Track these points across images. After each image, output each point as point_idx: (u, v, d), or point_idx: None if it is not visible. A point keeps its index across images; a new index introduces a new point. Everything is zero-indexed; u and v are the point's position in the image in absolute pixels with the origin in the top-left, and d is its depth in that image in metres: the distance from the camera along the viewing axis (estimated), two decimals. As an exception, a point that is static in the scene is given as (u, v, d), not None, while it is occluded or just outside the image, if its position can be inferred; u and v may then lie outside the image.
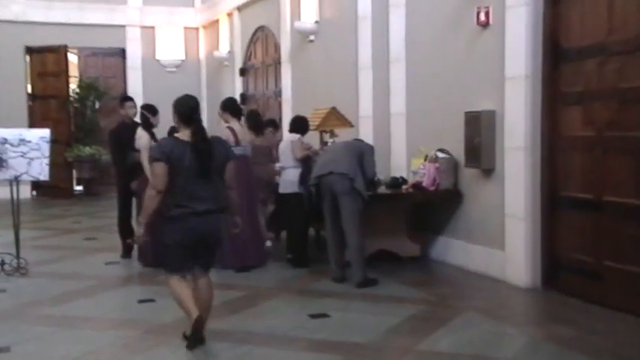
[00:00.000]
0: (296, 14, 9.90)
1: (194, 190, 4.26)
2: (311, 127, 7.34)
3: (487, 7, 6.13)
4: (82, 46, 13.60)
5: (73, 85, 13.52)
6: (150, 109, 6.98)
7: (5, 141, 6.65)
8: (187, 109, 4.40)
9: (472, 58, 6.41)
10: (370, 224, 6.34)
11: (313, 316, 5.12)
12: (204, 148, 4.30)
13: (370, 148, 6.30)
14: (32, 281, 6.39)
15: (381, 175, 6.81)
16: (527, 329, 4.89)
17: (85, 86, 13.38)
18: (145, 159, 6.57)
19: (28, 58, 13.21)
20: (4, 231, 7.09)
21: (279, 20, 10.54)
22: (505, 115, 5.96)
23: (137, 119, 7.19)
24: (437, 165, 6.68)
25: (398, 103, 7.59)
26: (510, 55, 5.86)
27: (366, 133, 7.90)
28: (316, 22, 9.49)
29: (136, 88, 13.68)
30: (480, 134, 6.17)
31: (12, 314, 5.37)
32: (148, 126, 6.84)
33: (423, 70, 7.20)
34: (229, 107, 6.93)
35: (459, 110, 6.45)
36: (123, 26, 13.74)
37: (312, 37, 9.62)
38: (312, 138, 7.61)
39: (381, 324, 4.91)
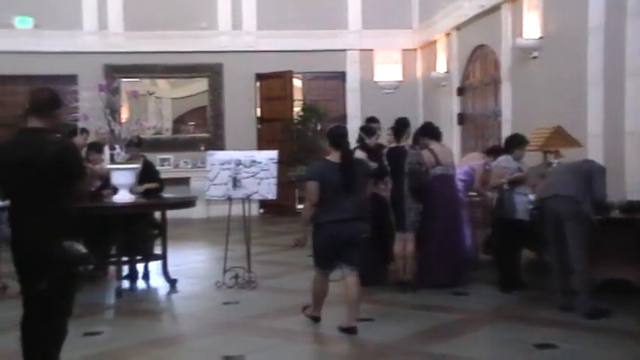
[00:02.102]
0: (518, 30, 9.58)
1: (340, 201, 5.14)
2: (533, 147, 7.05)
3: None
4: (306, 71, 14.32)
5: (297, 108, 14.27)
6: (366, 131, 7.21)
7: (239, 162, 7.16)
8: (338, 136, 5.35)
9: None
10: (601, 250, 5.88)
11: (539, 346, 4.84)
12: (349, 168, 5.21)
13: (601, 170, 5.87)
14: (261, 294, 6.77)
15: (614, 198, 6.29)
16: None
17: (308, 109, 14.05)
18: None
19: (257, 83, 14.21)
20: (237, 246, 7.60)
21: (500, 38, 10.26)
22: None
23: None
24: (681, 188, 6.04)
25: (634, 119, 6.99)
26: None
27: (595, 153, 7.37)
28: (540, 37, 9.10)
29: (354, 109, 14.10)
30: None
31: (244, 325, 5.74)
32: (364, 146, 7.03)
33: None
34: (427, 131, 7.11)
35: None
36: (344, 50, 14.25)
37: (535, 54, 9.23)
38: (535, 159, 7.28)
39: (616, 361, 4.52)
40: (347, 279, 5.30)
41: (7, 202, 4.08)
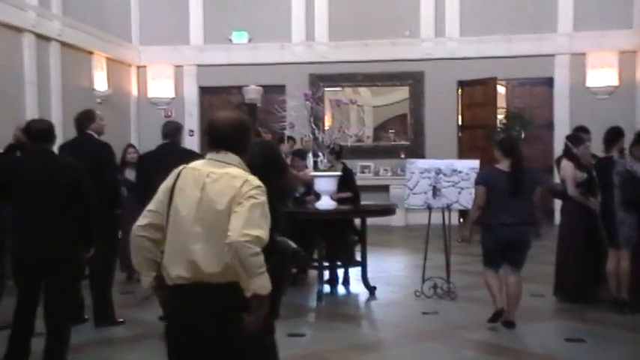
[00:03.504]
0: None
1: (505, 206, 5.52)
2: None
3: None
4: (510, 77, 13.80)
5: (500, 116, 13.79)
6: (573, 139, 6.83)
7: (440, 171, 7.06)
8: (508, 146, 5.78)
9: None
10: None
11: None
12: (518, 176, 5.59)
13: None
14: (460, 305, 6.63)
15: None
16: None
17: (512, 116, 13.53)
18: (570, 189, 6.54)
19: (459, 90, 13.96)
20: (436, 255, 7.50)
21: None
22: None
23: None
24: None
25: None
26: None
27: None
28: None
29: (562, 117, 13.34)
30: None
31: (443, 336, 5.63)
32: (571, 156, 6.67)
33: None
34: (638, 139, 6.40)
35: None
36: (552, 55, 13.52)
37: None
38: None
39: None
40: (509, 278, 5.69)
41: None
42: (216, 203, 2.66)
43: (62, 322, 4.64)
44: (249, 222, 2.58)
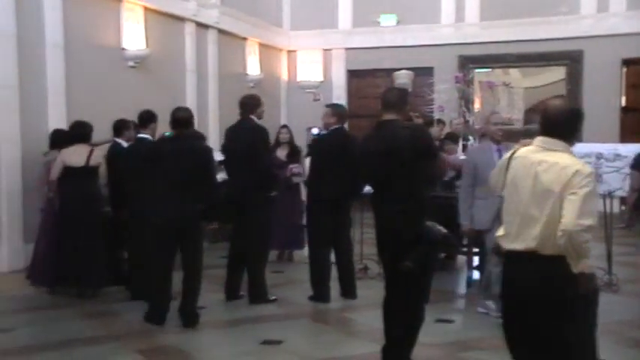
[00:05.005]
0: None
1: None
2: None
3: None
4: (683, 53, 12.68)
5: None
6: None
7: (601, 156, 6.68)
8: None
9: None
10: None
11: None
12: None
13: None
14: (622, 299, 6.25)
15: None
16: None
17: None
18: None
19: (624, 69, 13.03)
20: (595, 243, 7.03)
21: None
22: None
23: None
24: None
25: None
26: None
27: None
28: None
29: None
30: None
31: (602, 330, 5.13)
32: None
33: None
34: None
35: None
36: None
37: None
38: None
39: None
40: None
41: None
42: (549, 192, 2.93)
43: (196, 280, 5.35)
44: (583, 211, 2.83)
